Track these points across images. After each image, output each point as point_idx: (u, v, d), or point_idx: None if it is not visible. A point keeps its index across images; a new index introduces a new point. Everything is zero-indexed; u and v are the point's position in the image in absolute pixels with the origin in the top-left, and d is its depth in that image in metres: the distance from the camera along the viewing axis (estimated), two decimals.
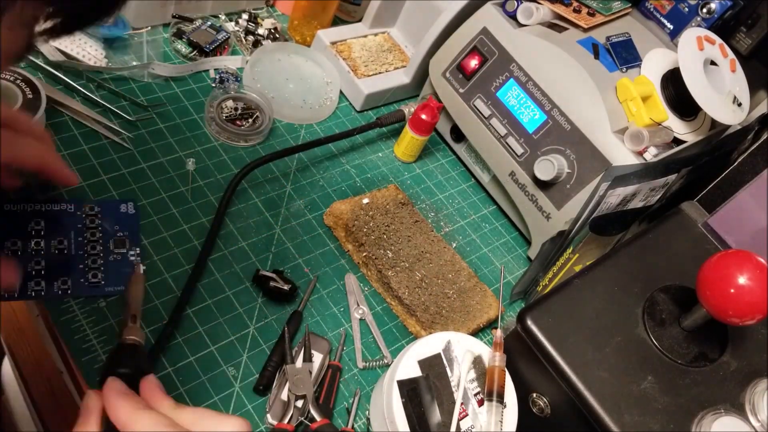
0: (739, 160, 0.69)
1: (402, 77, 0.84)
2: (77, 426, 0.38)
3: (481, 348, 0.56)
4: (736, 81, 0.71)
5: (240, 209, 0.67)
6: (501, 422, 0.52)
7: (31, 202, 0.56)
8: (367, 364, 0.61)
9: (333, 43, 0.83)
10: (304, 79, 0.81)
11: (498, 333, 0.56)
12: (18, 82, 0.61)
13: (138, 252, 0.58)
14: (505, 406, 0.53)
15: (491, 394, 0.53)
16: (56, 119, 0.65)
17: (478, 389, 0.54)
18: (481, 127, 0.75)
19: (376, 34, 0.87)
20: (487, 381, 0.54)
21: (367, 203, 0.69)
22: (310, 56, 0.83)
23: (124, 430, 0.37)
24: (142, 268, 0.54)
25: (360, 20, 0.88)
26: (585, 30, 0.74)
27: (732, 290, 0.47)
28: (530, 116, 0.71)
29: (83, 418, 0.39)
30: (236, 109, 0.72)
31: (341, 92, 0.82)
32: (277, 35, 0.83)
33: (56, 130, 0.64)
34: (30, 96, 0.61)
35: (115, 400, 0.39)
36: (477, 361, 0.55)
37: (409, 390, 0.52)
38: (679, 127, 0.70)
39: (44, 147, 0.50)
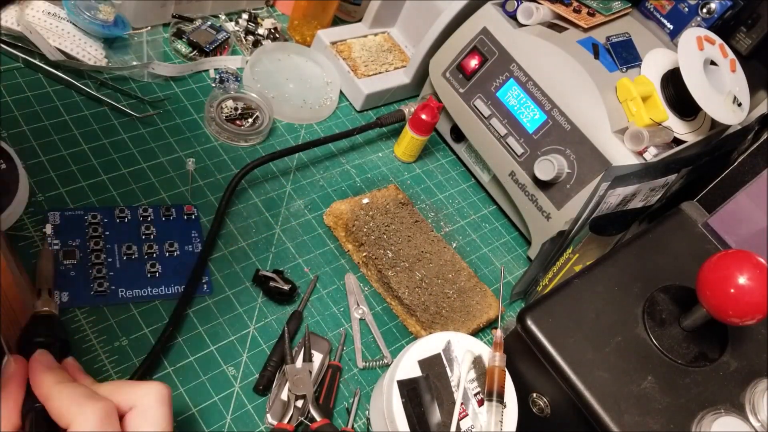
0: (739, 160, 0.69)
1: (402, 77, 0.84)
2: None
3: (481, 348, 0.56)
4: (736, 81, 0.71)
5: (240, 209, 0.67)
6: (501, 422, 0.52)
7: None
8: (367, 364, 0.61)
9: (333, 43, 0.83)
10: (304, 79, 0.81)
11: (498, 333, 0.56)
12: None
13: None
14: (505, 406, 0.53)
15: (491, 394, 0.53)
16: (67, 100, 0.65)
17: (478, 389, 0.54)
18: (481, 127, 0.75)
19: (376, 34, 0.87)
20: (487, 381, 0.54)
21: (367, 203, 0.69)
22: (310, 56, 0.83)
23: (46, 403, 0.38)
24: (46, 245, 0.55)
25: (360, 20, 0.88)
26: (585, 30, 0.74)
27: (732, 290, 0.47)
28: (530, 116, 0.71)
29: (3, 385, 0.38)
30: (236, 109, 0.72)
31: (341, 92, 0.82)
32: (277, 35, 0.83)
33: (64, 115, 0.64)
34: (3, 167, 0.56)
35: (42, 373, 0.39)
36: (477, 361, 0.55)
37: (409, 390, 0.52)
38: (679, 127, 0.70)
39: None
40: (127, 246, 0.58)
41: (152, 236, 0.60)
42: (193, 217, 0.63)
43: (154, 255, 0.59)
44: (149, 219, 0.61)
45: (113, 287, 0.56)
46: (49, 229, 0.56)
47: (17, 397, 0.39)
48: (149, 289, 0.57)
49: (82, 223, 0.58)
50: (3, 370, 0.39)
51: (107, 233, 0.58)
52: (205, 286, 0.60)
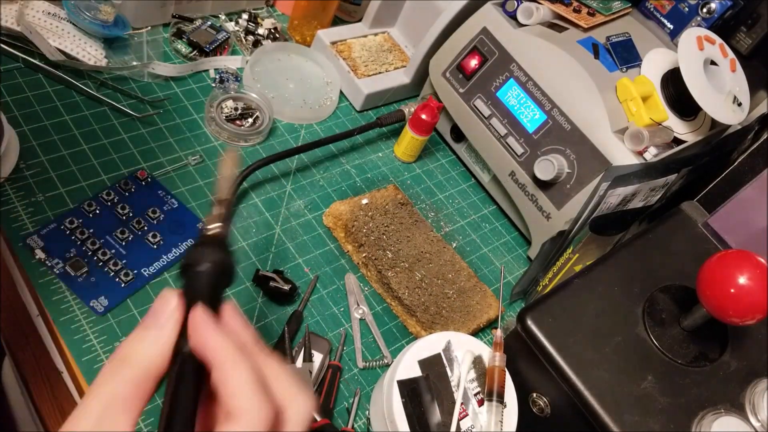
0: (739, 160, 0.69)
1: (402, 77, 0.84)
2: (142, 328, 0.33)
3: (481, 348, 0.56)
4: (736, 81, 0.71)
5: (240, 209, 0.67)
6: (501, 422, 0.52)
7: None
8: (367, 364, 0.61)
9: (333, 43, 0.83)
10: (304, 79, 0.81)
11: (498, 333, 0.56)
12: None
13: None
14: (505, 406, 0.53)
15: (491, 393, 0.53)
16: (67, 100, 0.65)
17: (478, 389, 0.54)
18: (481, 127, 0.75)
19: (376, 34, 0.87)
20: (487, 381, 0.54)
21: (367, 203, 0.69)
22: (310, 56, 0.83)
23: (216, 372, 0.32)
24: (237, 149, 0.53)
25: (360, 20, 0.88)
26: (585, 30, 0.74)
27: (732, 290, 0.47)
28: (530, 116, 0.71)
29: (153, 319, 0.33)
30: (236, 109, 0.72)
31: (341, 92, 0.82)
32: (277, 35, 0.83)
33: (63, 118, 0.64)
34: None
35: (212, 335, 0.33)
36: (477, 361, 0.55)
37: (409, 390, 0.52)
38: (679, 127, 0.70)
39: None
40: (120, 231, 0.59)
41: (131, 213, 0.61)
42: (149, 179, 0.64)
43: (145, 227, 0.60)
44: (115, 200, 0.61)
45: (136, 271, 0.58)
46: (40, 253, 0.55)
47: (173, 337, 0.33)
48: (166, 256, 0.60)
49: (63, 233, 0.57)
50: (161, 304, 0.34)
51: (92, 230, 0.58)
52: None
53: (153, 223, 0.61)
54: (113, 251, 0.58)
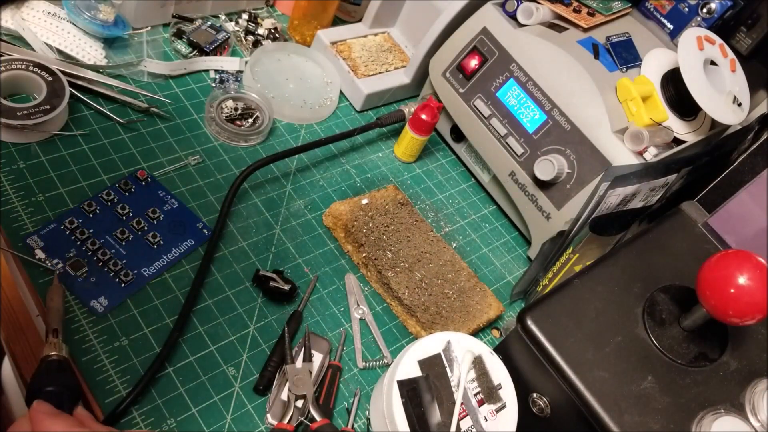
0: (739, 160, 0.69)
1: (402, 77, 0.84)
2: None
3: (481, 348, 0.56)
4: (736, 81, 0.71)
5: (240, 209, 0.67)
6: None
7: None
8: (367, 364, 0.61)
9: (333, 43, 0.83)
10: (304, 79, 0.81)
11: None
12: (32, 69, 0.62)
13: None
14: (505, 406, 0.53)
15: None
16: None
17: (478, 389, 0.54)
18: (481, 127, 0.75)
19: (376, 34, 0.87)
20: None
21: (367, 204, 0.69)
22: (310, 56, 0.83)
23: None
24: (58, 277, 0.54)
25: (360, 20, 0.88)
26: (585, 30, 0.74)
27: (732, 290, 0.47)
28: (530, 116, 0.71)
29: None
30: (236, 109, 0.72)
31: (341, 92, 0.82)
32: (277, 35, 0.83)
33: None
34: (50, 79, 0.62)
35: (44, 420, 0.38)
36: (477, 361, 0.55)
37: (409, 390, 0.52)
38: (679, 127, 0.70)
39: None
40: (120, 231, 0.59)
41: (131, 213, 0.61)
42: (149, 179, 0.64)
43: (145, 227, 0.60)
44: (115, 200, 0.61)
45: (136, 271, 0.58)
46: (40, 253, 0.55)
47: None
48: (166, 256, 0.60)
49: (63, 233, 0.57)
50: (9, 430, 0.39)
51: (92, 230, 0.58)
52: (204, 231, 0.63)
53: (153, 223, 0.61)
54: (113, 251, 0.58)
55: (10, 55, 0.64)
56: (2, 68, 0.60)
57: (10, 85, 0.62)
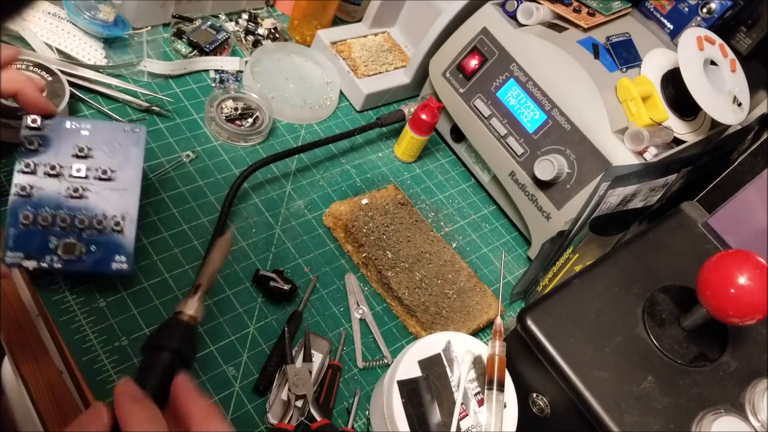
0: (739, 160, 0.69)
1: (402, 77, 0.84)
2: (85, 418, 0.36)
3: (481, 348, 0.56)
4: (736, 81, 0.71)
5: (240, 209, 0.67)
6: (501, 411, 0.52)
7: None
8: (367, 364, 0.61)
9: (333, 43, 0.83)
10: (304, 79, 0.81)
11: (497, 321, 0.56)
12: (32, 68, 0.62)
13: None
14: (505, 406, 0.53)
15: (491, 383, 0.53)
16: None
17: (478, 389, 0.54)
18: (481, 127, 0.75)
19: (376, 34, 0.87)
20: (487, 370, 0.54)
21: (367, 204, 0.69)
22: (310, 56, 0.83)
23: None
24: (233, 227, 0.50)
25: (360, 20, 0.88)
26: (585, 30, 0.74)
27: (732, 290, 0.47)
28: (530, 116, 0.71)
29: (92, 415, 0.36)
30: (236, 109, 0.72)
31: (341, 92, 0.82)
32: (277, 35, 0.83)
33: None
34: (50, 79, 0.61)
35: (128, 405, 0.36)
36: (477, 361, 0.55)
37: (409, 390, 0.52)
38: (679, 127, 0.70)
39: (21, 76, 0.50)
40: (72, 191, 0.52)
41: (59, 166, 0.53)
42: (41, 122, 0.53)
43: (87, 167, 0.53)
44: (37, 164, 0.52)
45: (120, 212, 0.53)
46: (30, 264, 0.50)
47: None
48: (126, 172, 0.54)
49: (28, 232, 0.51)
50: (93, 416, 0.37)
51: (45, 208, 0.51)
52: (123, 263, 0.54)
53: (86, 157, 0.53)
54: (84, 212, 0.52)
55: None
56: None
57: None
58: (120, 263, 0.52)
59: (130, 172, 0.54)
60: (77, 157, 0.53)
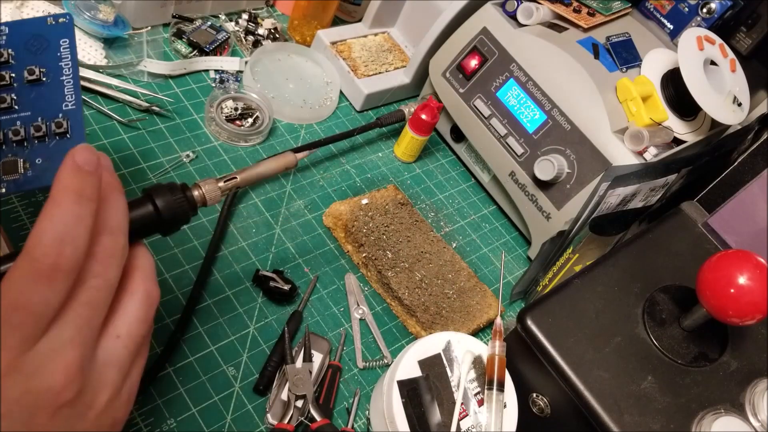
0: (739, 160, 0.69)
1: (402, 77, 0.84)
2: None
3: (481, 348, 0.56)
4: (736, 81, 0.71)
5: (240, 209, 0.67)
6: (501, 412, 0.52)
7: None
8: (367, 364, 0.61)
9: (333, 43, 0.83)
10: (304, 79, 0.81)
11: (497, 321, 0.56)
12: None
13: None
14: (505, 406, 0.53)
15: (491, 383, 0.53)
16: None
17: (478, 389, 0.54)
18: (481, 127, 0.75)
19: (376, 34, 0.87)
20: (487, 370, 0.54)
21: (366, 204, 0.69)
22: (310, 56, 0.83)
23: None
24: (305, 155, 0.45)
25: (360, 20, 0.88)
26: (585, 30, 0.74)
27: (732, 290, 0.47)
28: (530, 116, 0.71)
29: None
30: (236, 109, 0.72)
31: (341, 92, 0.82)
32: (277, 35, 0.83)
33: None
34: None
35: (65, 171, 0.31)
36: (477, 361, 0.55)
37: (409, 390, 0.52)
38: (679, 127, 0.70)
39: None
40: None
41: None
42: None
43: (12, 73, 0.46)
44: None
45: (60, 114, 0.46)
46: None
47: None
48: (64, 76, 0.47)
49: None
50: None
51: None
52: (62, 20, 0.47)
53: (11, 63, 0.46)
54: (18, 121, 0.45)
55: None
56: None
57: None
58: None
59: (64, 67, 0.47)
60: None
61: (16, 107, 0.45)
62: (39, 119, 0.45)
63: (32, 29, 0.47)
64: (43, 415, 0.30)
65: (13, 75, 0.46)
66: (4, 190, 0.44)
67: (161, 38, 0.77)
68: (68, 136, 0.45)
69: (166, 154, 0.67)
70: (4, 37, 0.47)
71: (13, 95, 0.45)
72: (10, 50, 0.46)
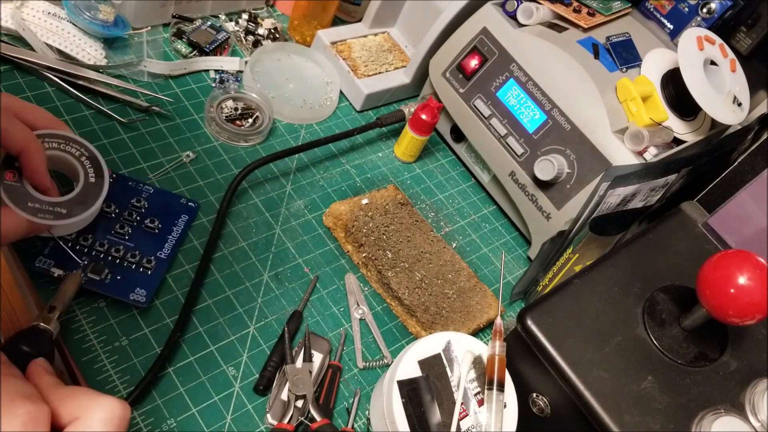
0: (739, 160, 0.69)
1: (402, 77, 0.84)
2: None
3: (481, 348, 0.56)
4: (736, 81, 0.71)
5: (240, 209, 0.67)
6: (501, 412, 0.52)
7: None
8: (367, 364, 0.61)
9: (333, 43, 0.83)
10: (304, 79, 0.81)
11: (498, 321, 0.56)
12: (83, 159, 0.54)
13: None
14: (505, 406, 0.53)
15: (491, 383, 0.53)
16: (67, 100, 0.65)
17: (478, 389, 0.54)
18: (481, 127, 0.75)
19: (376, 34, 0.87)
20: (487, 370, 0.54)
21: (367, 204, 0.69)
22: (310, 56, 0.83)
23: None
24: (81, 270, 0.54)
25: (360, 20, 0.88)
26: (585, 30, 0.74)
27: (732, 290, 0.47)
28: (530, 116, 0.71)
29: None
30: (236, 109, 0.72)
31: (341, 92, 0.82)
32: (277, 35, 0.83)
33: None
34: (92, 180, 0.54)
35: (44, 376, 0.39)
36: (477, 361, 0.55)
37: (409, 390, 0.52)
38: (679, 127, 0.70)
39: (29, 135, 0.48)
40: (118, 227, 0.58)
41: (116, 209, 0.59)
42: (114, 176, 0.61)
43: (138, 217, 0.60)
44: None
45: (152, 256, 0.58)
46: (57, 271, 0.54)
47: None
48: (171, 236, 0.60)
49: (66, 246, 0.55)
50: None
51: (90, 235, 0.57)
52: (190, 204, 0.63)
53: (142, 211, 0.60)
54: (122, 247, 0.57)
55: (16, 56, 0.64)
56: (52, 143, 0.53)
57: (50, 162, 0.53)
58: (138, 295, 0.55)
59: (174, 230, 0.61)
60: (133, 206, 0.60)
61: (126, 237, 0.58)
62: (137, 252, 0.57)
63: (168, 199, 0.62)
64: None
65: (138, 218, 0.59)
66: (83, 282, 0.54)
67: (161, 38, 0.77)
68: (150, 272, 0.57)
69: (166, 154, 0.67)
70: (146, 194, 0.61)
71: (129, 229, 0.58)
72: (146, 203, 0.61)
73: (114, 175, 0.61)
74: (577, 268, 0.66)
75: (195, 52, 0.77)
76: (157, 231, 0.60)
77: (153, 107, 0.69)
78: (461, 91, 0.76)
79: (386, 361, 0.62)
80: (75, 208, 0.52)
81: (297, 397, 0.54)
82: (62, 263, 0.55)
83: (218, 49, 0.78)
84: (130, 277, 0.56)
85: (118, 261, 0.57)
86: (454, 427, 0.51)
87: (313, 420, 0.54)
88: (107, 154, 0.65)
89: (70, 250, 0.55)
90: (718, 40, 0.71)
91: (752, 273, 0.46)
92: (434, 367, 0.53)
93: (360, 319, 0.64)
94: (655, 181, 0.67)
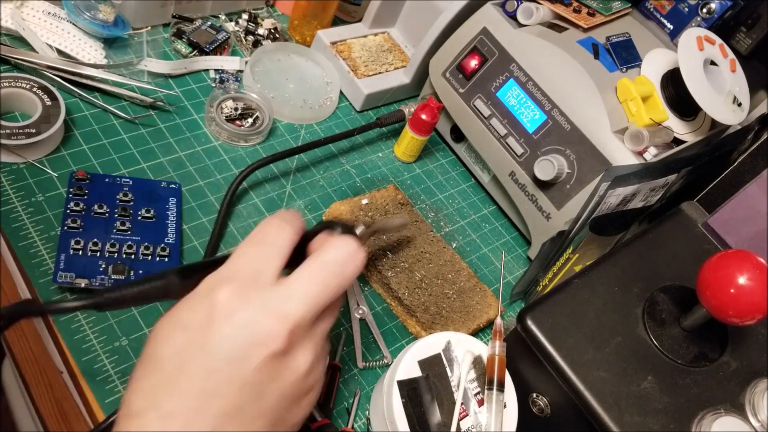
0: (739, 160, 0.69)
1: (402, 77, 0.84)
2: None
3: (481, 348, 0.56)
4: (736, 81, 0.71)
5: (240, 209, 0.67)
6: (501, 412, 0.52)
7: None
8: (367, 364, 0.61)
9: (333, 43, 0.83)
10: (304, 79, 0.81)
11: (498, 321, 0.56)
12: (35, 90, 0.62)
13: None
14: (505, 406, 0.53)
15: (491, 382, 0.53)
16: (67, 100, 0.65)
17: (478, 389, 0.54)
18: (481, 127, 0.75)
19: (376, 34, 0.87)
20: (487, 370, 0.54)
21: (367, 204, 0.69)
22: (310, 56, 0.83)
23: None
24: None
25: (360, 20, 0.88)
26: (585, 30, 0.74)
27: (732, 290, 0.47)
28: (530, 116, 0.71)
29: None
30: (236, 109, 0.72)
31: (341, 92, 0.82)
32: (277, 35, 0.83)
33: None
34: (49, 103, 0.61)
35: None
36: (477, 361, 0.55)
37: (409, 390, 0.52)
38: (679, 127, 0.70)
39: None
40: (120, 224, 0.59)
41: (107, 208, 0.59)
42: (89, 176, 0.60)
43: (131, 211, 0.60)
44: (84, 207, 0.59)
45: (162, 244, 0.59)
46: (83, 282, 0.54)
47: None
48: (170, 221, 0.61)
49: (78, 256, 0.55)
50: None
51: (95, 239, 0.57)
52: (171, 186, 0.64)
53: (131, 204, 0.60)
54: (130, 242, 0.58)
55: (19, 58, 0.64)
56: (3, 84, 0.61)
57: (8, 102, 0.62)
58: None
59: (169, 215, 0.62)
60: (121, 201, 0.61)
61: (129, 233, 0.59)
62: (146, 243, 0.59)
63: (150, 187, 0.63)
64: (254, 359, 0.36)
65: (131, 211, 0.60)
66: (110, 284, 0.55)
67: (161, 38, 0.77)
68: (167, 260, 0.59)
69: (166, 154, 0.67)
70: (127, 186, 0.62)
71: (128, 224, 0.59)
72: (132, 195, 0.61)
73: (89, 176, 0.61)
74: (577, 268, 0.66)
75: (195, 52, 0.77)
76: (154, 219, 0.60)
77: (156, 102, 0.69)
78: (461, 91, 0.76)
79: (386, 361, 0.62)
80: (42, 126, 0.60)
81: None
82: (85, 273, 0.55)
83: (218, 49, 0.78)
84: (151, 268, 0.57)
85: (133, 257, 0.57)
86: (454, 427, 0.51)
87: (313, 420, 0.54)
88: (107, 154, 0.65)
89: (85, 259, 0.56)
90: (718, 40, 0.71)
91: (752, 273, 0.46)
92: (434, 367, 0.54)
93: (360, 319, 0.64)
94: (655, 181, 0.67)
